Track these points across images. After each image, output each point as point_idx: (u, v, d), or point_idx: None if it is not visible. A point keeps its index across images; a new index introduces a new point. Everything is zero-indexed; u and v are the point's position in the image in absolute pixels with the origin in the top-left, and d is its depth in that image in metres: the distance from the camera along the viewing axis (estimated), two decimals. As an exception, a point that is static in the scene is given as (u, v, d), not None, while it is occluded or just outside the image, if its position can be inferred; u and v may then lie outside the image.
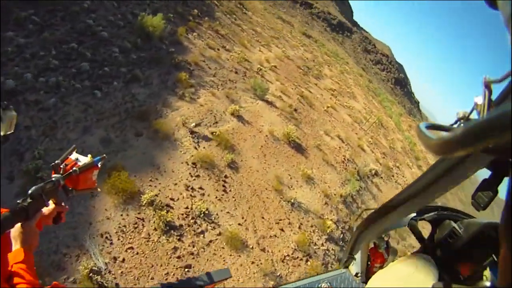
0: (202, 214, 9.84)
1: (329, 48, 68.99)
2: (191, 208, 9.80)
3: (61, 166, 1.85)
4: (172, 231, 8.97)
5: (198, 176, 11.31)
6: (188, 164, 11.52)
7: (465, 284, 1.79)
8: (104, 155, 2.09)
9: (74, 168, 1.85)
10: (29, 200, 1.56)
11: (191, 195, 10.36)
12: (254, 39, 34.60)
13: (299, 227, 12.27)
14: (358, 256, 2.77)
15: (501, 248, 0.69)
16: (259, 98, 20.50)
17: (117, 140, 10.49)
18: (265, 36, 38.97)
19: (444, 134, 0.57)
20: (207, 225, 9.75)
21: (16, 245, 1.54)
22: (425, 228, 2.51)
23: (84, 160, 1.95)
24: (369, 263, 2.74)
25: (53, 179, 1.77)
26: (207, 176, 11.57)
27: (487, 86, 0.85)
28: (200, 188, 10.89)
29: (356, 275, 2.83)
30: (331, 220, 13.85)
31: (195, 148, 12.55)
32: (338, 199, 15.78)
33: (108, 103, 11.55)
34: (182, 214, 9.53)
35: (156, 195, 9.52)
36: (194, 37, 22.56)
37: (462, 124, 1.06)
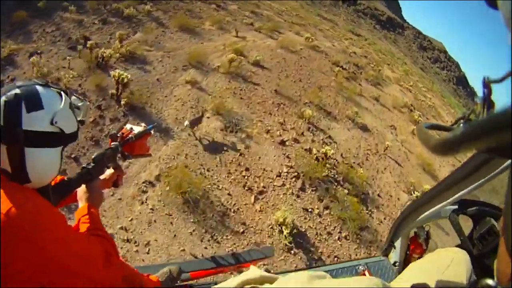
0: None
1: (382, 47, 47.08)
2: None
3: (118, 135, 1.77)
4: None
5: None
6: None
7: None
8: (155, 123, 2.21)
9: (130, 135, 1.78)
10: (92, 164, 1.55)
11: None
12: (243, 21, 15.83)
13: None
14: (398, 245, 2.23)
15: (500, 247, 0.61)
16: None
17: None
18: (278, 21, 19.37)
19: (444, 134, 0.51)
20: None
21: (81, 204, 1.50)
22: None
23: (138, 129, 1.84)
24: (408, 252, 2.22)
25: (112, 146, 1.70)
26: None
27: (487, 86, 0.71)
28: None
29: (394, 264, 2.31)
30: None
31: None
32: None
33: None
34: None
35: None
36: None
37: (462, 124, 0.92)
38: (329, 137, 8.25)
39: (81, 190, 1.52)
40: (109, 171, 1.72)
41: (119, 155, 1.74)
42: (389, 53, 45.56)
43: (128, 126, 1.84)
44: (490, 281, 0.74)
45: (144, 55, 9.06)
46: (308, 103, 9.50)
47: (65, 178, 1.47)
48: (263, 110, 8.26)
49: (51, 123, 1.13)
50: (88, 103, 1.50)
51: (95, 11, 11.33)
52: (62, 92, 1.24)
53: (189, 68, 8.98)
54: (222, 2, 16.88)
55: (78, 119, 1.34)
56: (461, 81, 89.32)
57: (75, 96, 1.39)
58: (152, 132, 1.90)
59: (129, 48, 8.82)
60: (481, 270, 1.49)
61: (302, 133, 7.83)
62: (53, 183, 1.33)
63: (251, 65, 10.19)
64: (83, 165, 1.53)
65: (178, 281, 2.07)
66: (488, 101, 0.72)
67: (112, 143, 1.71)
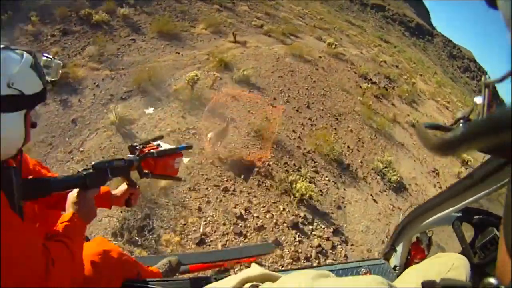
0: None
1: (412, 55, 43.17)
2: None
3: (138, 148, 1.51)
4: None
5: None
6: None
7: None
8: (192, 144, 1.77)
9: (151, 151, 1.49)
10: (90, 170, 1.27)
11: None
12: (252, 23, 12.60)
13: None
14: (399, 249, 2.11)
15: (500, 247, 0.60)
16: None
17: None
18: (297, 24, 16.29)
19: (444, 134, 0.50)
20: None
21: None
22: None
23: (167, 146, 1.57)
24: (409, 257, 2.12)
25: (127, 158, 1.44)
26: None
27: (487, 86, 0.73)
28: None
29: (395, 268, 2.17)
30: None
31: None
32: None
33: None
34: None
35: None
36: None
37: (461, 124, 0.92)
38: (336, 230, 4.49)
39: (71, 197, 1.26)
40: (122, 187, 1.51)
41: (135, 170, 1.46)
42: (419, 62, 41.56)
43: (156, 142, 1.57)
44: (492, 280, 0.66)
45: (81, 77, 6.20)
46: (311, 153, 5.88)
47: (50, 177, 1.21)
48: (215, 180, 4.46)
49: (8, 86, 1.01)
50: (59, 62, 1.30)
51: (63, 19, 8.88)
52: (24, 53, 1.10)
53: (133, 95, 5.98)
54: (230, 2, 13.83)
55: (50, 79, 1.23)
56: (493, 92, 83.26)
57: (45, 56, 1.27)
58: (183, 153, 1.61)
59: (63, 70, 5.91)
60: (480, 279, 1.10)
61: (276, 241, 4.09)
62: (30, 176, 1.18)
63: (236, 83, 6.97)
64: (79, 169, 1.26)
65: (177, 273, 1.95)
66: (488, 101, 0.71)
67: (128, 155, 1.46)
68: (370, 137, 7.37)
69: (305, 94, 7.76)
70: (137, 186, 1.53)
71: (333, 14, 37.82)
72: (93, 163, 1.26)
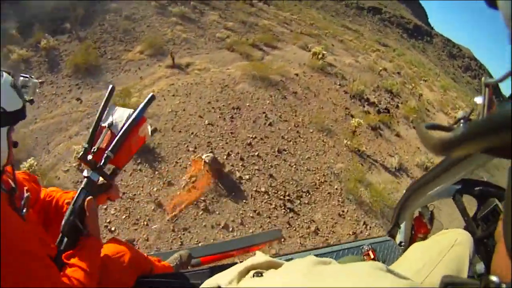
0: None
1: (412, 58, 39.97)
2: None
3: (90, 156, 1.20)
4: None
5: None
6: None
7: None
8: (151, 94, 1.33)
9: (105, 155, 1.20)
10: (64, 239, 1.13)
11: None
12: (216, 36, 9.38)
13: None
14: (403, 225, 2.09)
15: (499, 245, 0.58)
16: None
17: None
18: (280, 31, 12.97)
19: (445, 134, 0.48)
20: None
21: None
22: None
23: (121, 116, 1.23)
24: (413, 232, 2.10)
25: (83, 186, 1.21)
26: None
27: (487, 86, 0.71)
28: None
29: (400, 244, 2.14)
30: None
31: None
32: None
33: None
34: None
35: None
36: None
37: (462, 124, 0.92)
38: None
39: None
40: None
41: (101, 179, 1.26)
42: (420, 65, 38.30)
43: (108, 120, 1.23)
44: (493, 278, 0.59)
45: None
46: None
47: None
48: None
49: None
50: (36, 81, 1.23)
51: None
52: (3, 73, 1.08)
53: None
54: (198, 12, 10.99)
55: (27, 98, 1.18)
56: (496, 90, 79.82)
57: (23, 76, 1.21)
58: (145, 116, 1.28)
59: None
60: (485, 252, 1.43)
61: None
62: (26, 187, 1.17)
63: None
64: (57, 243, 1.14)
65: (189, 267, 1.92)
66: (488, 101, 0.70)
67: (85, 173, 1.22)
68: (353, 231, 3.96)
69: (242, 158, 4.38)
70: (111, 183, 1.28)
71: (328, 19, 34.90)
72: (61, 229, 1.11)
